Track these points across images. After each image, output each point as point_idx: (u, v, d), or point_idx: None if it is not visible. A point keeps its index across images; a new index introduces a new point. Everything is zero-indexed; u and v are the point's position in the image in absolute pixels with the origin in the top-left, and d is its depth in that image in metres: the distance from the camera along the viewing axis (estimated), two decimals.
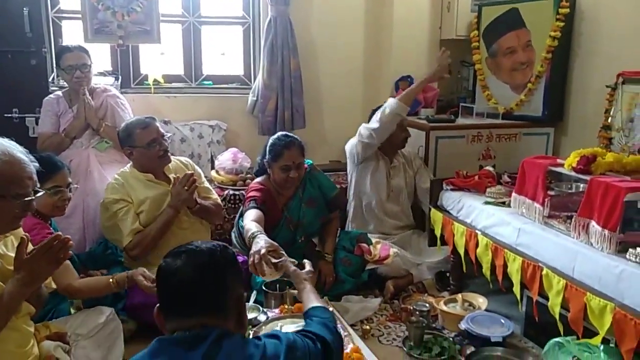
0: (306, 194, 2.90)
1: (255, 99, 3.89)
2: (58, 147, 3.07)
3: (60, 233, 1.68)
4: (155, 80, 3.86)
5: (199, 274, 1.26)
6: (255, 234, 2.18)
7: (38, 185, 1.71)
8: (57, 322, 2.14)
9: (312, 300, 1.70)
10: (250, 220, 2.46)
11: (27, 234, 1.70)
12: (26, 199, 1.64)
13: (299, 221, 2.85)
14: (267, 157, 2.79)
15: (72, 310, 2.28)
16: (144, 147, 2.63)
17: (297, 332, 1.42)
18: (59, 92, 3.22)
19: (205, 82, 4.04)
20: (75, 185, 2.47)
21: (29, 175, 1.67)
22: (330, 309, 1.96)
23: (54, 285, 1.94)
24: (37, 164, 1.72)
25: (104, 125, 3.12)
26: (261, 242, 2.05)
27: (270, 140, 2.82)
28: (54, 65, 3.50)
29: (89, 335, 2.07)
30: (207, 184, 2.96)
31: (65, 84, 3.22)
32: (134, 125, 2.68)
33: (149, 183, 2.69)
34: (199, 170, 2.94)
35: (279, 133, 2.89)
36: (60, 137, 3.09)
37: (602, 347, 1.96)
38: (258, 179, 2.90)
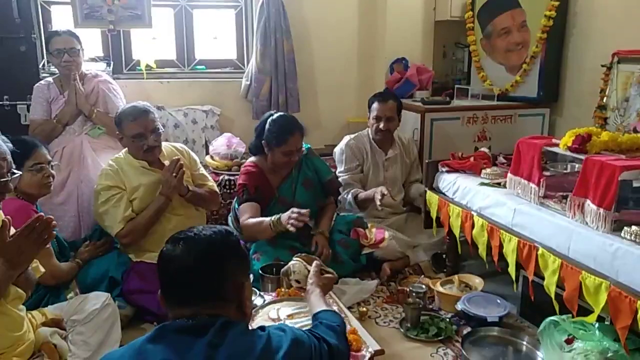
0: (301, 175, 2.90)
1: (248, 83, 3.86)
2: (50, 133, 3.04)
3: (42, 214, 1.67)
4: (147, 66, 3.82)
5: (196, 263, 1.23)
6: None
7: (14, 166, 1.70)
8: (53, 309, 2.14)
9: (321, 304, 1.68)
10: (251, 218, 2.65)
11: (8, 217, 1.67)
12: (1, 180, 1.63)
13: (293, 201, 2.82)
14: (268, 139, 2.75)
15: (68, 296, 2.28)
16: (129, 138, 2.61)
17: (305, 330, 1.40)
18: (50, 79, 3.18)
19: (198, 67, 4.00)
20: (56, 163, 2.47)
21: (3, 156, 1.67)
22: (335, 308, 1.97)
23: (42, 269, 1.93)
24: (10, 145, 1.71)
25: (96, 112, 3.09)
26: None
27: (272, 122, 2.76)
28: (44, 51, 3.45)
29: (85, 320, 2.07)
30: (203, 171, 2.94)
31: (57, 71, 3.18)
32: (127, 113, 2.63)
33: (143, 170, 2.65)
34: (195, 157, 2.92)
35: (279, 114, 2.85)
36: (52, 124, 3.06)
37: (597, 325, 1.98)
38: (251, 160, 2.90)
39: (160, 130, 2.67)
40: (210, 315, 1.21)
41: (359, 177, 3.26)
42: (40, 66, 3.50)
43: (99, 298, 2.16)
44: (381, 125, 3.19)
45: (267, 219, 2.57)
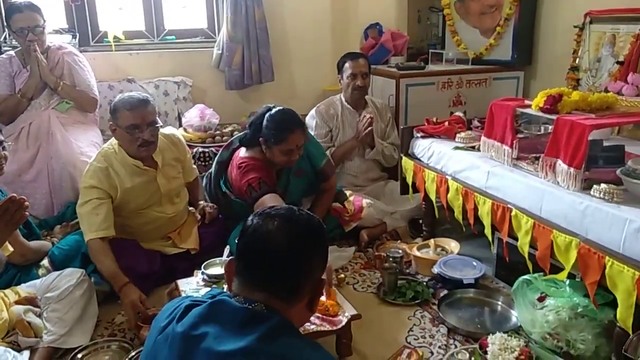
0: (295, 165, 2.72)
1: (220, 52, 3.78)
2: (15, 109, 2.96)
3: (15, 195, 1.63)
4: (115, 37, 3.71)
5: (291, 246, 1.10)
6: None
7: None
8: (26, 287, 2.12)
9: None
10: None
11: None
12: None
13: (285, 193, 2.72)
14: (266, 136, 2.55)
15: (40, 273, 2.25)
16: (123, 129, 2.35)
17: None
18: (12, 52, 3.08)
19: (168, 37, 3.89)
20: (10, 143, 2.37)
21: None
22: None
23: (10, 248, 1.89)
24: None
25: (62, 84, 3.01)
26: None
27: (269, 118, 2.55)
28: (4, 24, 3.32)
29: (60, 297, 2.06)
30: (192, 164, 2.83)
31: (19, 44, 3.06)
32: (123, 102, 2.36)
33: (136, 169, 2.43)
34: (186, 147, 2.75)
35: (278, 109, 2.59)
36: (17, 99, 2.97)
37: (567, 282, 2.02)
38: (246, 155, 2.65)
39: (158, 125, 2.43)
40: (273, 308, 1.08)
41: (328, 145, 3.25)
42: (2, 39, 3.37)
43: (73, 274, 2.14)
44: (358, 82, 3.19)
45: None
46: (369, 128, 3.16)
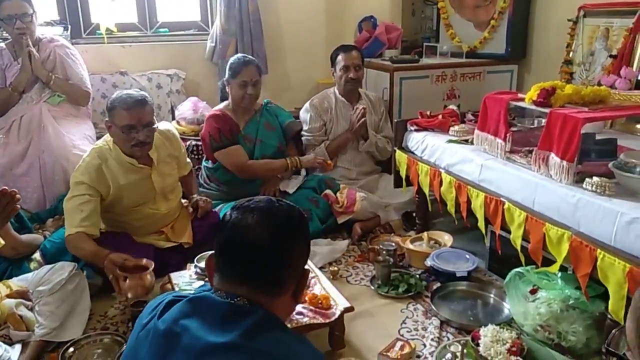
0: (263, 119, 3.10)
1: (213, 45, 3.75)
2: (6, 102, 2.93)
3: (6, 187, 1.62)
4: (107, 30, 3.67)
5: (272, 239, 1.07)
6: None
7: None
8: (18, 280, 2.11)
9: None
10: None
11: None
12: None
13: (257, 138, 3.04)
14: (227, 76, 2.96)
15: (32, 267, 2.24)
16: (119, 128, 2.30)
17: None
18: (2, 44, 3.04)
19: (161, 30, 3.86)
20: (1, 136, 2.35)
21: None
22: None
23: (1, 241, 1.88)
24: None
25: (54, 78, 2.98)
26: None
27: (230, 61, 3.00)
28: None
29: (52, 291, 2.05)
30: (186, 157, 2.81)
31: (9, 36, 3.03)
32: (120, 100, 2.30)
33: (131, 167, 2.40)
34: (180, 142, 2.71)
35: (238, 54, 3.10)
36: (8, 92, 2.94)
37: (559, 274, 2.03)
38: (216, 108, 3.08)
39: (155, 126, 2.39)
40: (251, 301, 1.05)
41: (322, 139, 3.27)
42: None
43: (65, 268, 2.13)
44: (351, 74, 3.21)
45: (279, 160, 3.00)
46: (362, 119, 3.17)
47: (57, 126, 2.95)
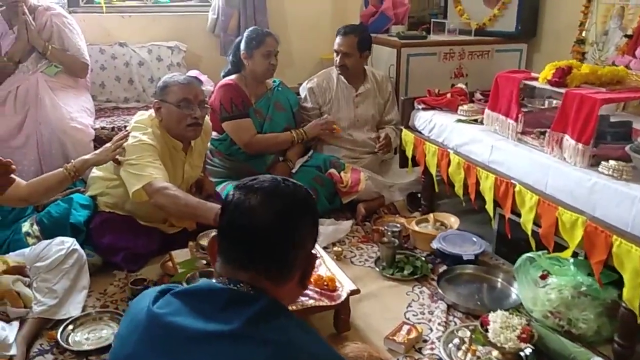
0: (274, 97, 3.03)
1: (215, 16, 3.66)
2: (2, 72, 2.84)
3: (1, 157, 1.55)
4: None
5: (276, 221, 1.01)
6: None
7: None
8: (15, 256, 2.06)
9: None
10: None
11: None
12: None
13: (267, 115, 2.98)
14: (247, 44, 2.87)
15: (30, 242, 2.18)
16: (173, 104, 2.24)
17: None
18: None
19: (162, 0, 3.76)
20: None
21: None
22: None
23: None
24: None
25: (51, 48, 2.89)
26: None
27: (247, 33, 2.93)
28: None
29: (50, 267, 2.00)
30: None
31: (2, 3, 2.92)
32: (174, 78, 2.29)
33: (173, 151, 2.35)
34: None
35: (252, 27, 3.04)
36: (3, 62, 2.85)
37: (572, 260, 1.99)
38: (228, 78, 2.96)
39: (208, 107, 2.39)
40: (254, 287, 0.99)
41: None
42: None
43: (63, 243, 2.07)
44: (337, 60, 3.11)
45: (285, 133, 2.98)
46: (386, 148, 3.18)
47: (54, 97, 2.88)
